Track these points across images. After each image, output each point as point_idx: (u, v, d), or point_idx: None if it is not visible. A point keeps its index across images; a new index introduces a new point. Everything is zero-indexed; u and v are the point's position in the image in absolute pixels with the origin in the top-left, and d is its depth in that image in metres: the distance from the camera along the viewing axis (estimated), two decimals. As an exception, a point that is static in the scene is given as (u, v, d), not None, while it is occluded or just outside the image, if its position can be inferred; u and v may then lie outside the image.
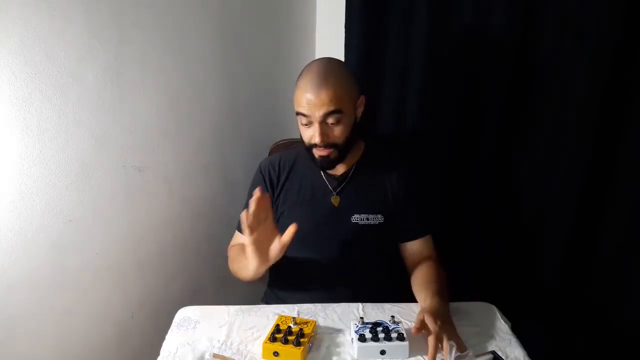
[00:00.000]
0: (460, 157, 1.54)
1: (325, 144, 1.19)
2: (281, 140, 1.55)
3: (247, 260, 1.09)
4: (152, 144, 1.39)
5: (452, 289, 1.22)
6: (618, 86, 1.34)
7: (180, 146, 1.48)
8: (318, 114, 1.16)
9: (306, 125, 1.20)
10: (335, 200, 1.29)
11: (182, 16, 1.40)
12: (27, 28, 1.08)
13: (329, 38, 1.66)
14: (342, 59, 1.56)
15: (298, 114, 1.20)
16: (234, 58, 1.59)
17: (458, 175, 1.55)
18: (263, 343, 1.00)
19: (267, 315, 1.14)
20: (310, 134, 1.19)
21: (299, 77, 1.22)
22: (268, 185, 1.32)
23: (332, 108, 1.15)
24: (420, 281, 1.20)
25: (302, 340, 0.99)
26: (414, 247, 1.30)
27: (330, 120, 1.17)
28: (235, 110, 1.63)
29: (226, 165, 1.64)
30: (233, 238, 1.39)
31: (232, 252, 1.34)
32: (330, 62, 1.23)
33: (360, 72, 1.56)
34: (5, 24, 1.04)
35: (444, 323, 1.01)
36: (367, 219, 1.27)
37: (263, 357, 1.00)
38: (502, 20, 1.40)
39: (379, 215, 1.27)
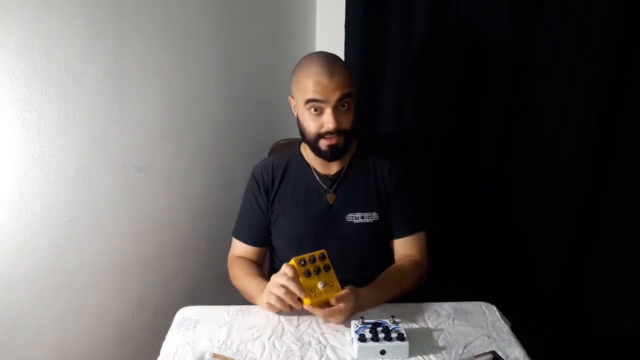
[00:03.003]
0: (460, 156, 1.54)
1: (337, 131, 1.18)
2: (281, 140, 1.54)
3: (252, 291, 1.20)
4: (152, 144, 1.39)
5: (452, 289, 1.22)
6: (618, 86, 1.34)
7: (180, 146, 1.48)
8: (334, 97, 1.15)
9: (317, 113, 1.18)
10: (330, 198, 1.29)
11: (182, 16, 1.40)
12: (27, 28, 1.08)
13: (329, 38, 1.66)
14: (342, 58, 1.56)
15: (309, 101, 1.16)
16: (234, 58, 1.59)
17: (458, 174, 1.55)
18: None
19: (267, 315, 1.13)
20: (321, 122, 1.18)
21: (299, 69, 1.21)
22: (263, 191, 1.32)
23: (346, 90, 1.16)
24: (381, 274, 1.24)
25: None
26: (399, 245, 1.31)
27: (343, 105, 1.18)
28: (235, 110, 1.63)
29: (226, 165, 1.64)
30: (232, 246, 1.38)
31: (234, 270, 1.32)
32: (327, 52, 1.25)
33: (360, 72, 1.56)
34: (5, 24, 1.04)
35: (355, 307, 1.10)
36: (362, 217, 1.27)
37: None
38: (502, 19, 1.40)
39: (374, 213, 1.27)
